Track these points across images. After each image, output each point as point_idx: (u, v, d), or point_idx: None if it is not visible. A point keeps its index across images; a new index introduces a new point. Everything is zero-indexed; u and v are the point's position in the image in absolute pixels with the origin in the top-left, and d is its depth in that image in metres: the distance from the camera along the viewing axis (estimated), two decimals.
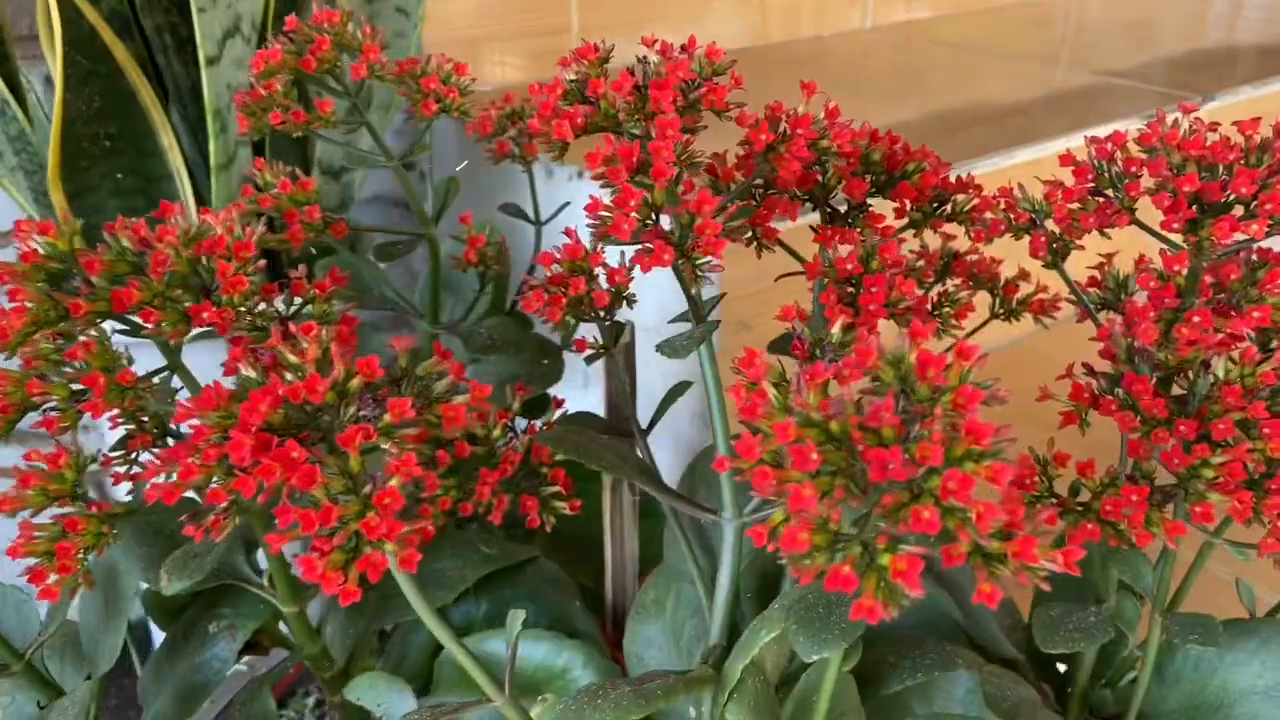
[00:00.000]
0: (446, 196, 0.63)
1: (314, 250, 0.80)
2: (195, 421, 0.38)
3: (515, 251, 0.82)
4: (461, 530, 0.65)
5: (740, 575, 0.52)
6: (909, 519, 0.30)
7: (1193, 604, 0.55)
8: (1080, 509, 0.46)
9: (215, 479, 0.38)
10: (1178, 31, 1.82)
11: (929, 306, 0.62)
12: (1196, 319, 0.42)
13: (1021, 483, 0.46)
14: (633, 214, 0.40)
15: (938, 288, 0.64)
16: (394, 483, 0.39)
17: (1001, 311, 0.64)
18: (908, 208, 0.53)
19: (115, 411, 0.47)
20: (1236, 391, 0.44)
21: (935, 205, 0.55)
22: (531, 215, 0.73)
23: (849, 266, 0.44)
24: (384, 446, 0.38)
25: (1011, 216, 0.50)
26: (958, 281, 0.62)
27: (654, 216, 0.41)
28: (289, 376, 0.40)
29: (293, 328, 0.44)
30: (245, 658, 0.65)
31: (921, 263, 0.62)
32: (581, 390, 1.00)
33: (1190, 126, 0.47)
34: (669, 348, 0.45)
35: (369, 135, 0.60)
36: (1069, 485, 0.48)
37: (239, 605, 0.60)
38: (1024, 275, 0.60)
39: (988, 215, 0.52)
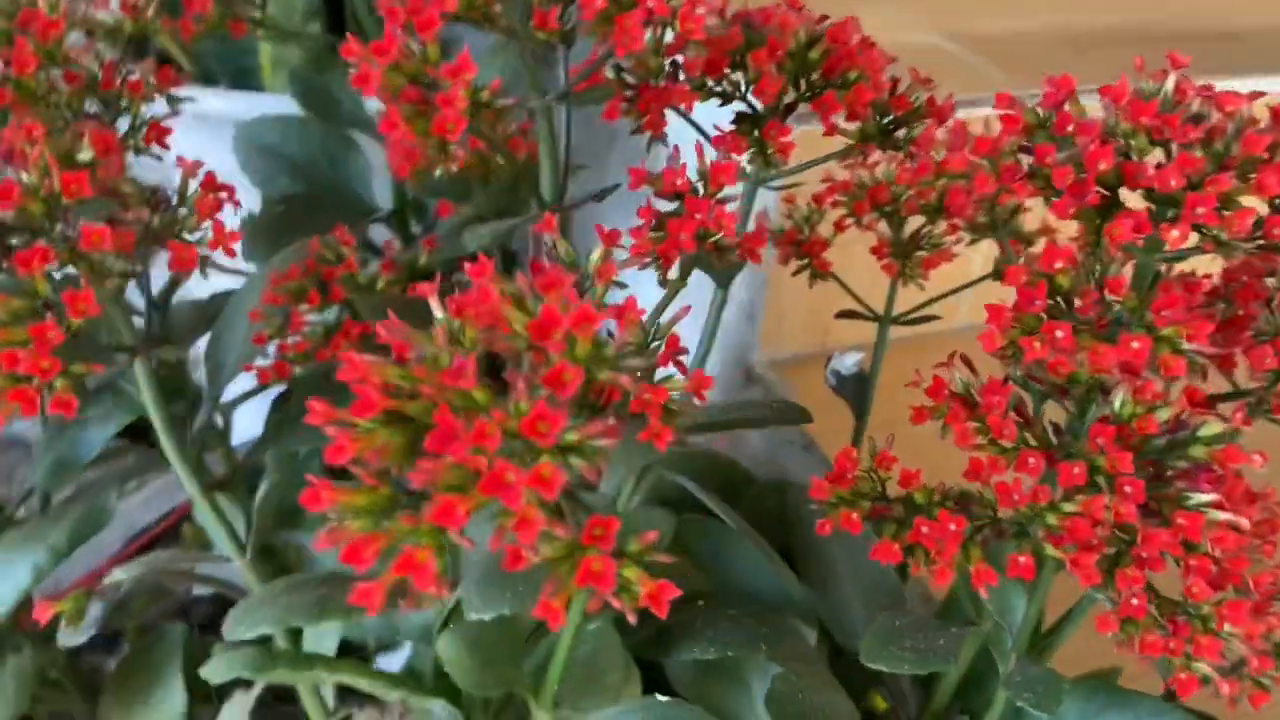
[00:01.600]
0: None
1: None
2: None
3: None
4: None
5: None
6: (436, 507, 0.24)
7: None
8: (899, 523, 0.38)
9: None
10: None
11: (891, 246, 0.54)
12: (1060, 333, 0.33)
13: (841, 476, 0.39)
14: (385, 65, 0.33)
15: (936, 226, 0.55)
16: (72, 317, 0.35)
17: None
18: (838, 123, 0.44)
19: None
20: (1111, 432, 0.35)
21: (890, 126, 0.46)
22: None
23: (678, 182, 0.37)
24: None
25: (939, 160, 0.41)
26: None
27: (424, 75, 0.34)
28: (24, 179, 0.37)
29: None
30: None
31: (910, 192, 0.53)
32: None
33: (1170, 88, 0.36)
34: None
35: None
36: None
37: (120, 398, 0.59)
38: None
39: (933, 154, 0.43)
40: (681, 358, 0.32)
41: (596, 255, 0.33)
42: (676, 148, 0.37)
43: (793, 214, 0.55)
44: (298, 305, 0.53)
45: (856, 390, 0.61)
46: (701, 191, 0.37)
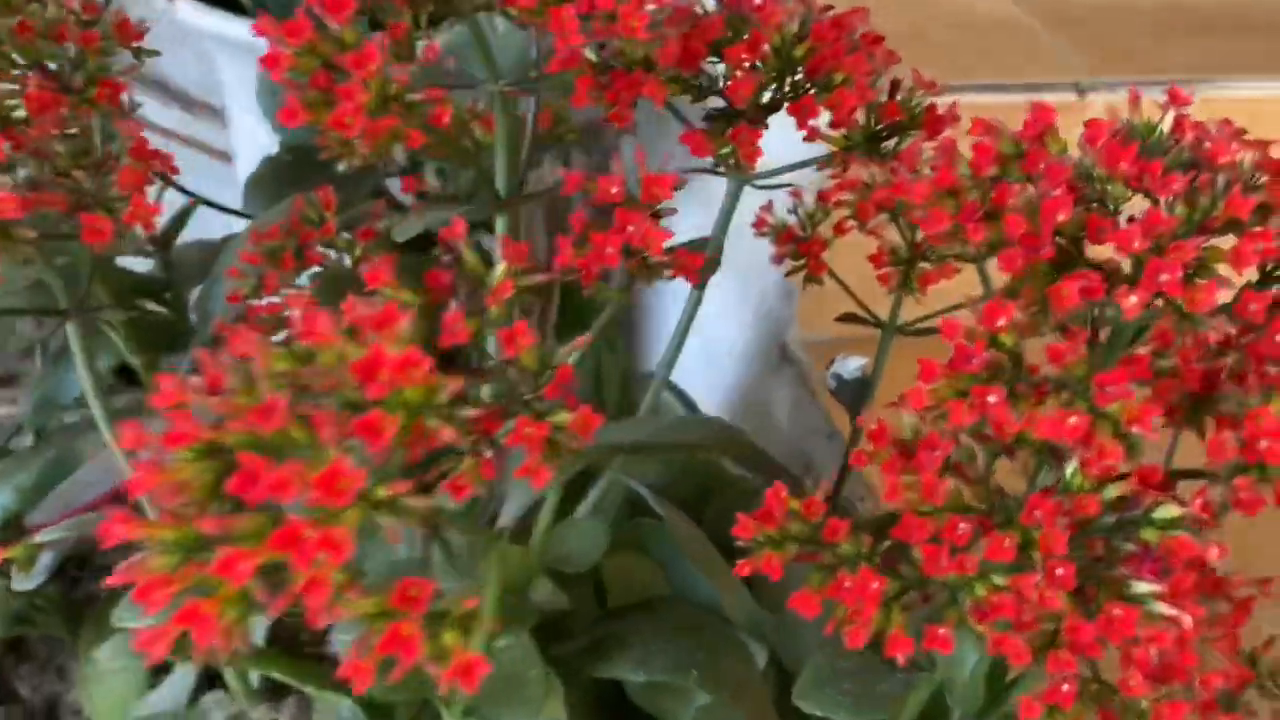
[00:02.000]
0: None
1: None
2: None
3: None
4: None
5: None
6: (219, 559, 0.22)
7: None
8: (827, 569, 0.36)
9: None
10: None
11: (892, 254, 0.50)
12: (992, 398, 0.30)
13: (768, 515, 0.36)
14: (293, 51, 0.31)
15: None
16: None
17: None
18: (818, 128, 0.40)
19: None
20: (1050, 506, 0.31)
21: (881, 134, 0.42)
22: None
23: (612, 190, 0.34)
24: None
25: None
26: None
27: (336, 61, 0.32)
28: None
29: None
30: None
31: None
32: None
33: (1168, 124, 0.32)
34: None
35: None
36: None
37: (104, 340, 0.59)
38: None
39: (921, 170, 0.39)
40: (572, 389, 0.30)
41: (499, 272, 0.31)
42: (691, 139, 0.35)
43: (795, 210, 0.52)
44: (274, 267, 0.52)
45: (855, 396, 0.58)
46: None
